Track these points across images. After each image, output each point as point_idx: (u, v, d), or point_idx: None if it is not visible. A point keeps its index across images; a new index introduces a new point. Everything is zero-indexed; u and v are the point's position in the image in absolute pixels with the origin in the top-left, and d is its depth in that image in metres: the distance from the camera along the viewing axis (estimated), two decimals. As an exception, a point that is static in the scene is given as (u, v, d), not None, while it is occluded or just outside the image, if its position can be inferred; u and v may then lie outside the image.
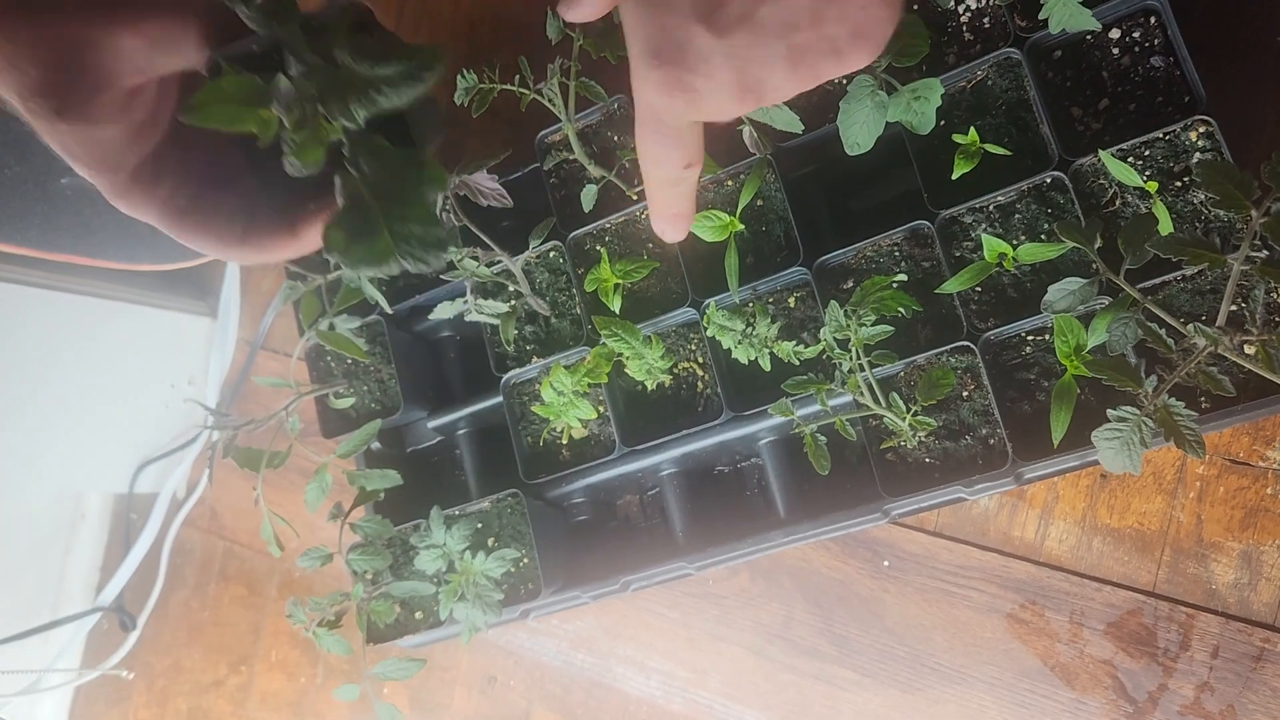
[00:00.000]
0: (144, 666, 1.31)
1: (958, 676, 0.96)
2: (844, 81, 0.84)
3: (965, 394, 0.85)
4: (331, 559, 0.94)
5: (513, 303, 0.96)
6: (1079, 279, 0.73)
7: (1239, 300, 0.79)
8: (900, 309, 0.83)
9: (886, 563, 0.99)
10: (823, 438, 0.81)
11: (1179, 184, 0.79)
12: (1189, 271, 0.79)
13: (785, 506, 0.95)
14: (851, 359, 0.81)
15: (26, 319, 1.12)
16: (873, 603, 0.99)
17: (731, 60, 0.46)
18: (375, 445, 1.09)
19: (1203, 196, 0.79)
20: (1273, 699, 0.86)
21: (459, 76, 0.89)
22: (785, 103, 0.80)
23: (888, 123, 0.82)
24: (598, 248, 0.96)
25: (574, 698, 1.11)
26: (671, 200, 0.59)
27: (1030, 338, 0.84)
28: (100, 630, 1.31)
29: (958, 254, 0.85)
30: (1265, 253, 0.69)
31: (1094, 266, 0.74)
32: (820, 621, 1.01)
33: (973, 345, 0.83)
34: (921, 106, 0.80)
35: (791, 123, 0.80)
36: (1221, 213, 0.78)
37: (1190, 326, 0.70)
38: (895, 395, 0.81)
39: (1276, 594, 0.86)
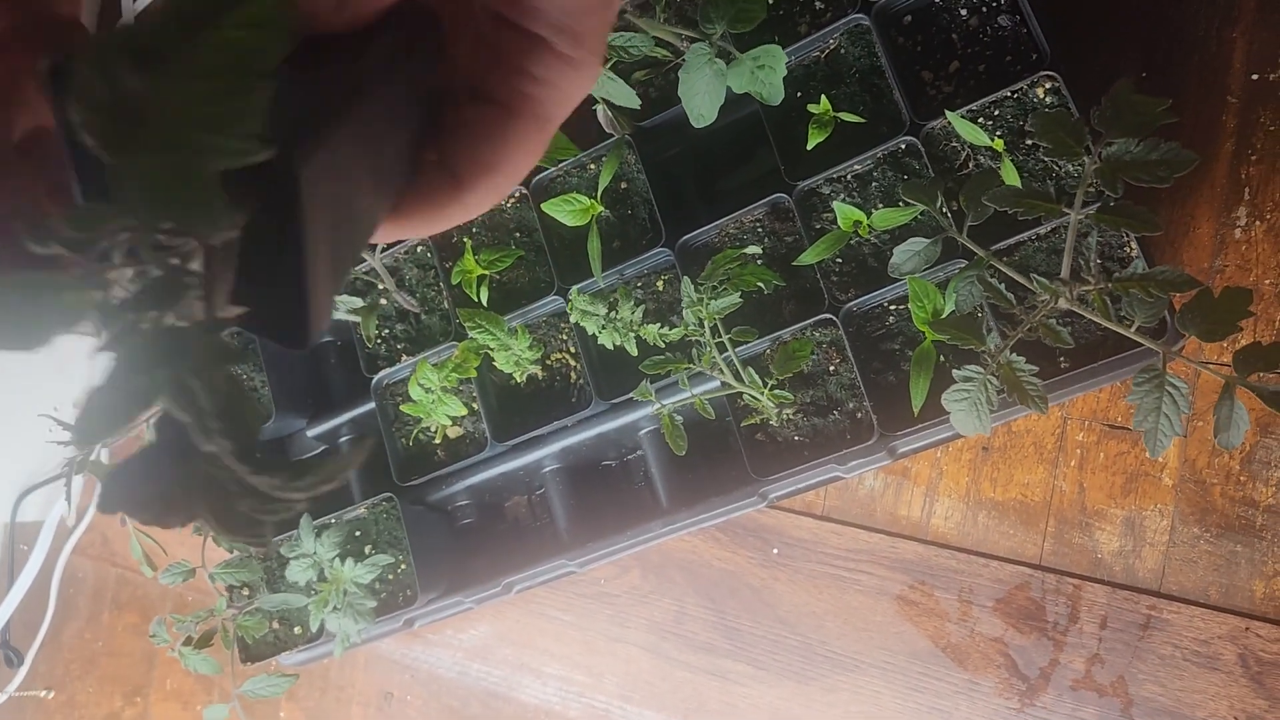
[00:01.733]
0: (35, 703, 1.26)
1: (851, 663, 0.93)
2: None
3: (831, 368, 0.83)
4: (194, 573, 0.90)
5: (379, 298, 0.94)
6: (923, 240, 0.72)
7: (1080, 256, 0.77)
8: (759, 284, 0.81)
9: (776, 550, 0.96)
10: (679, 418, 0.79)
11: (1029, 142, 0.78)
12: (1043, 230, 0.78)
13: (667, 497, 0.92)
14: (709, 336, 0.79)
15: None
16: (764, 592, 0.96)
17: None
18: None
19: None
20: (1161, 667, 0.84)
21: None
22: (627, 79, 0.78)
23: (746, 100, 0.80)
24: (464, 239, 0.94)
25: (471, 710, 1.07)
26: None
27: (893, 308, 0.82)
28: (-9, 668, 1.26)
29: (818, 226, 0.83)
30: (1099, 201, 0.67)
31: (942, 223, 0.73)
32: (713, 615, 0.98)
33: (835, 318, 0.81)
34: (767, 76, 0.78)
35: (629, 98, 0.78)
36: (1070, 168, 0.77)
37: (1033, 280, 0.69)
38: (751, 371, 0.79)
39: (1160, 560, 0.84)
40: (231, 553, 0.92)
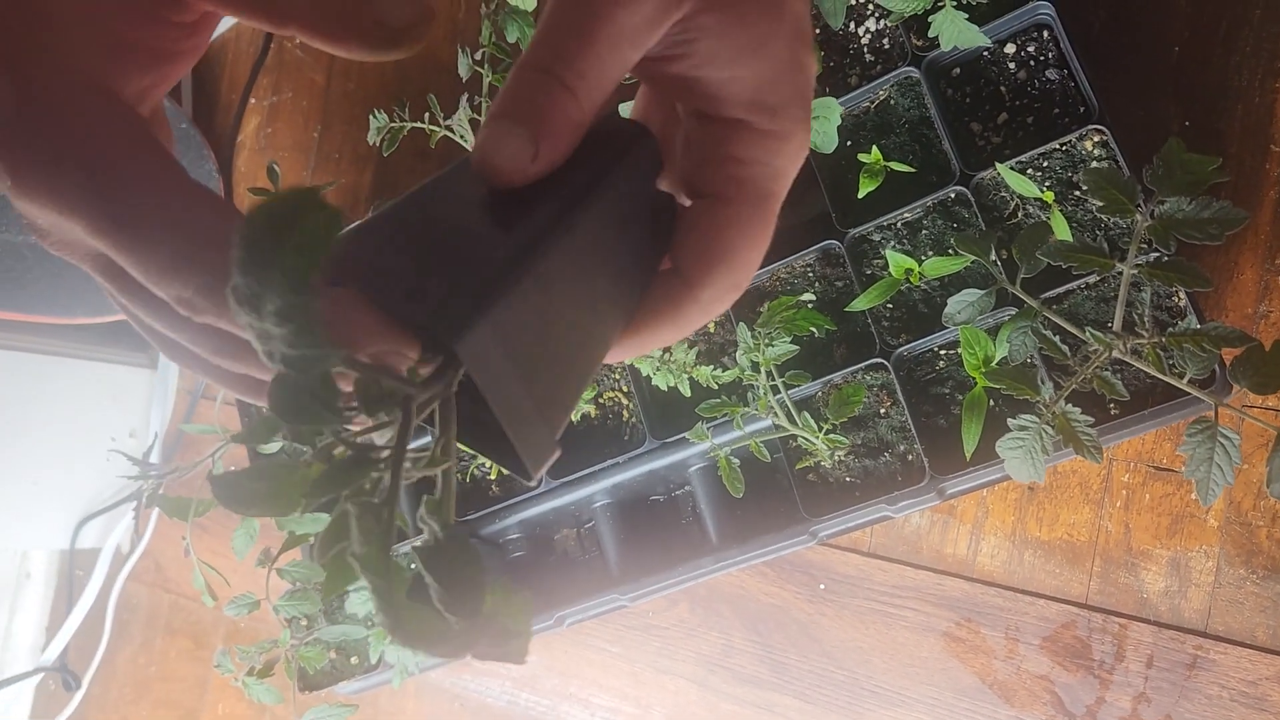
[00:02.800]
0: (91, 726, 1.29)
1: (897, 698, 0.95)
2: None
3: (882, 411, 0.85)
4: (258, 605, 0.93)
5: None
6: (977, 290, 0.74)
7: (1133, 308, 0.79)
8: (812, 329, 0.84)
9: (822, 586, 0.98)
10: (736, 460, 0.81)
11: (1077, 194, 0.80)
12: (1092, 280, 0.80)
13: (717, 533, 0.94)
14: (764, 380, 0.81)
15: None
16: (810, 627, 0.98)
17: None
18: (311, 489, 1.09)
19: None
20: (1208, 706, 0.85)
21: (370, 116, 0.90)
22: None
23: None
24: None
25: (520, 738, 1.09)
26: None
27: (943, 352, 0.84)
28: (47, 690, 1.29)
29: (868, 272, 0.85)
30: (1153, 255, 0.69)
31: (994, 278, 0.75)
32: (760, 648, 1.00)
33: (886, 362, 0.83)
34: (822, 126, 0.80)
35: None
36: (1119, 219, 0.79)
37: (1086, 332, 0.71)
38: (807, 415, 0.81)
39: (1206, 600, 0.86)
40: (294, 585, 0.95)
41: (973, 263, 0.82)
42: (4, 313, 1.12)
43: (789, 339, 0.79)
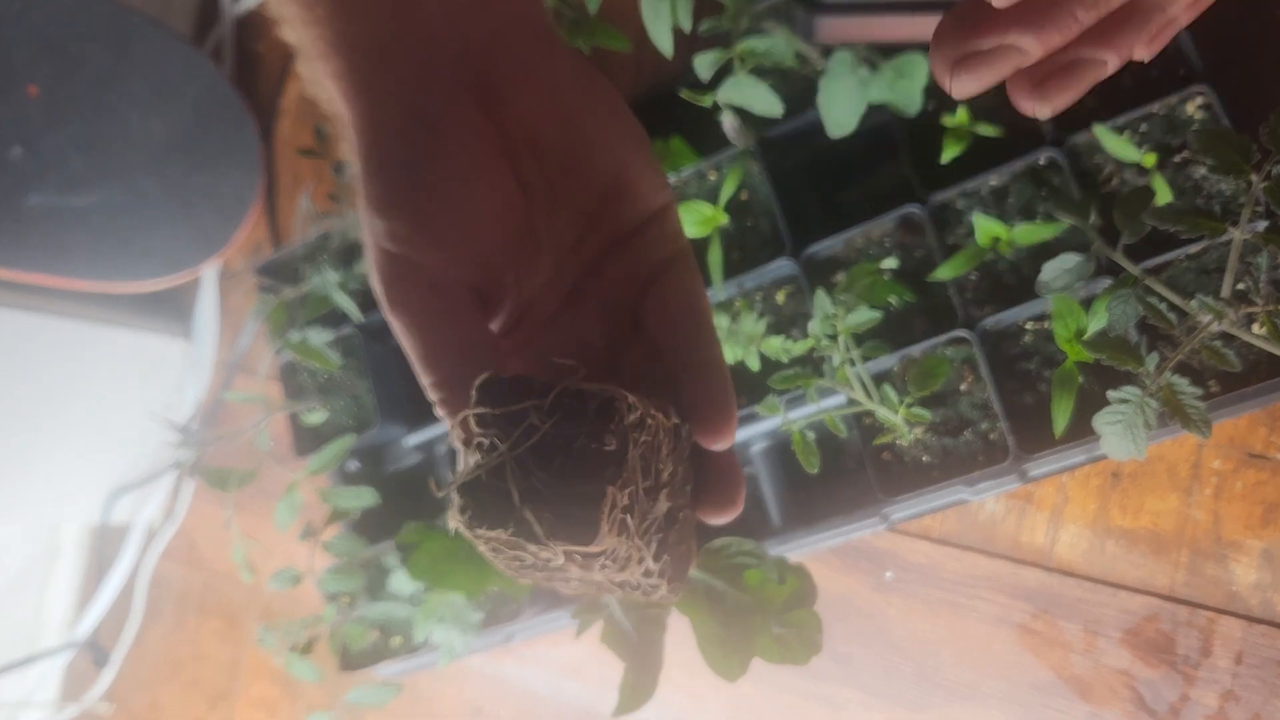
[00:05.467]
0: (121, 703, 1.26)
1: (967, 692, 0.90)
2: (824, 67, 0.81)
3: (963, 387, 0.81)
4: (300, 580, 0.89)
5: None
6: (1075, 255, 0.69)
7: (1244, 277, 0.74)
8: (891, 298, 0.80)
9: (890, 574, 0.94)
10: (811, 434, 0.77)
11: (1178, 159, 0.76)
12: (1193, 249, 0.75)
13: (780, 515, 0.90)
14: (841, 350, 0.77)
15: (-6, 342, 1.09)
16: (876, 617, 0.94)
17: None
18: (354, 466, 1.05)
19: (1203, 171, 0.75)
20: (1304, 707, 0.80)
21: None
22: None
23: (876, 111, 0.78)
24: (577, 249, 0.93)
25: (565, 727, 1.06)
26: None
27: (1030, 326, 0.80)
28: (78, 667, 1.26)
29: (951, 240, 0.81)
30: (1267, 220, 0.65)
31: (1091, 244, 0.71)
32: (823, 640, 0.95)
33: (969, 335, 0.79)
34: (906, 86, 0.76)
35: (770, 105, 0.77)
36: (1224, 186, 0.75)
37: (1194, 301, 0.66)
38: (888, 387, 0.76)
39: (1303, 594, 0.81)
40: (338, 559, 0.91)
41: (1065, 231, 0.77)
42: (42, 277, 1.09)
43: (871, 308, 0.75)
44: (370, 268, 0.33)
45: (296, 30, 0.33)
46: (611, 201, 0.35)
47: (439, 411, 0.33)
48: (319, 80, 0.33)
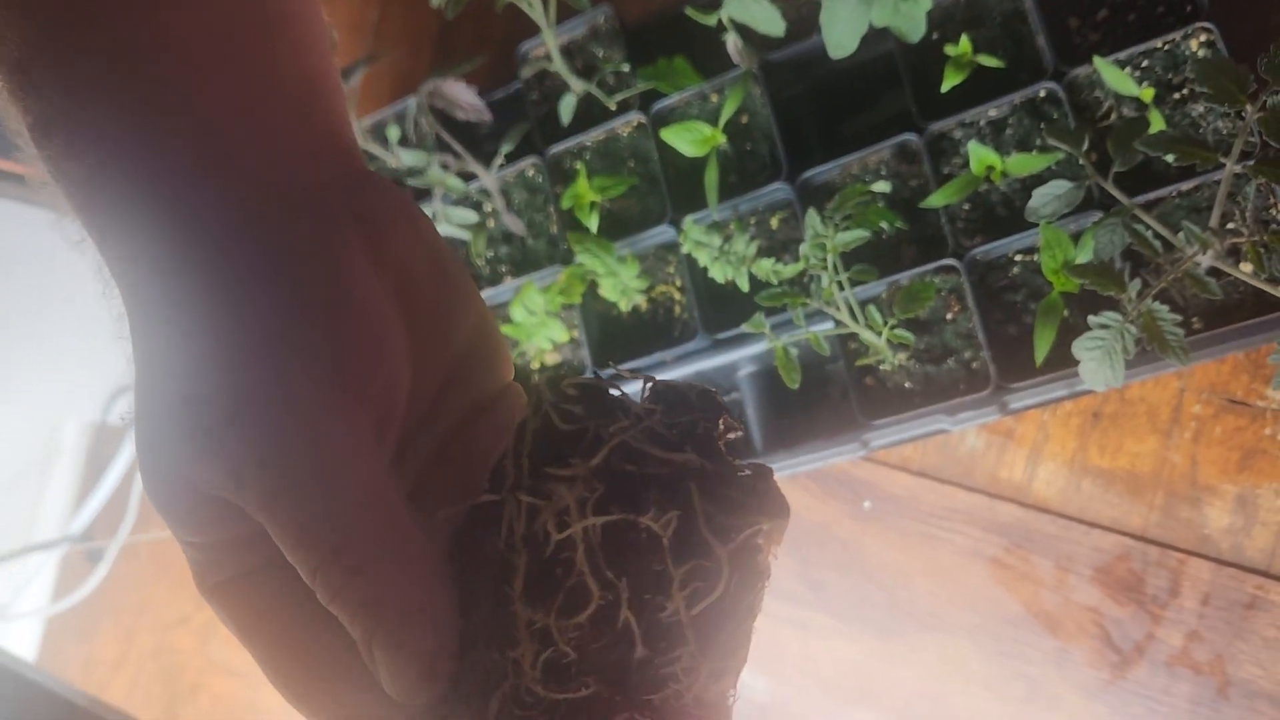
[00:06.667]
0: (111, 602, 1.28)
1: (937, 623, 0.92)
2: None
3: (949, 316, 0.82)
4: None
5: (487, 218, 0.94)
6: (1066, 182, 0.70)
7: (1233, 216, 0.75)
8: (882, 224, 0.80)
9: (868, 504, 0.95)
10: (794, 350, 0.78)
11: (1178, 96, 0.76)
12: (1185, 186, 0.75)
13: (762, 441, 0.91)
14: (830, 271, 0.77)
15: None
16: (852, 546, 0.95)
17: None
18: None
19: (1200, 109, 0.75)
20: (1263, 648, 0.81)
21: (437, -22, 0.87)
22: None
23: (880, 40, 0.78)
24: (577, 165, 0.93)
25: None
26: None
27: (1018, 258, 0.80)
28: (71, 565, 1.29)
29: (946, 170, 0.82)
30: (1259, 152, 0.65)
31: (1084, 174, 0.71)
32: (797, 565, 0.97)
33: (958, 264, 0.79)
34: (910, 10, 0.76)
35: (773, 23, 0.77)
36: (1220, 124, 0.75)
37: (1180, 234, 0.67)
38: (873, 309, 0.77)
39: (1272, 539, 0.82)
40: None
41: (1058, 163, 0.78)
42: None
43: (862, 229, 0.76)
44: (228, 422, 0.24)
45: (54, 141, 0.26)
46: (470, 364, 0.30)
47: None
48: (85, 208, 0.26)
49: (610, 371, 0.26)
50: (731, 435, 0.25)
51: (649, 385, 0.25)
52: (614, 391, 0.26)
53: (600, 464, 0.22)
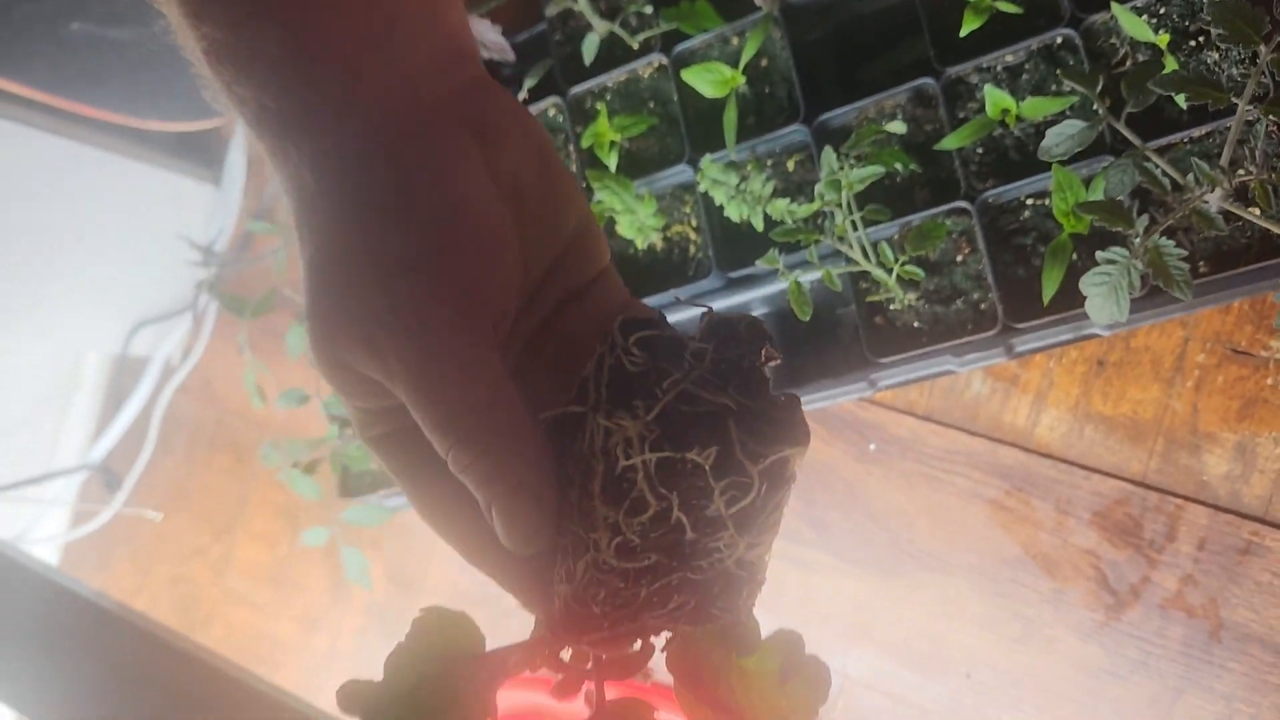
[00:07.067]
0: (129, 532, 1.31)
1: (937, 563, 0.94)
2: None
3: (959, 258, 0.83)
4: (307, 400, 0.93)
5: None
6: (1079, 122, 0.71)
7: (1244, 161, 0.76)
8: (896, 165, 0.81)
9: (873, 446, 0.97)
10: (806, 283, 0.80)
11: (1193, 43, 0.77)
12: (1197, 132, 0.77)
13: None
14: (844, 209, 0.79)
15: (29, 164, 1.12)
16: (856, 486, 0.97)
17: None
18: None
19: (1216, 56, 0.76)
20: (1256, 593, 0.83)
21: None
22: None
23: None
24: (598, 105, 0.95)
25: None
26: None
27: (1030, 202, 0.82)
28: (89, 493, 1.31)
29: (962, 115, 0.83)
30: (1272, 92, 0.66)
31: (1097, 113, 0.72)
32: (801, 504, 0.99)
33: (970, 206, 0.81)
34: (931, -47, 0.77)
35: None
36: (1235, 72, 0.76)
37: (1190, 175, 0.68)
38: (885, 245, 0.79)
39: (1269, 487, 0.84)
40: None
41: (1073, 108, 0.79)
42: (77, 105, 1.12)
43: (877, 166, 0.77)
44: (363, 303, 0.29)
45: (222, 66, 0.29)
46: (573, 253, 0.34)
47: (463, 475, 0.30)
48: (244, 113, 0.30)
49: (671, 301, 0.31)
50: (772, 363, 0.30)
51: (705, 318, 0.29)
52: (672, 335, 0.30)
53: (657, 413, 0.27)
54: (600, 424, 0.29)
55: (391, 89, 0.30)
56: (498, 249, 0.30)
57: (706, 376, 0.28)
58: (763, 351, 0.29)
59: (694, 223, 0.93)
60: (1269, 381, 0.84)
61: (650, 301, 0.92)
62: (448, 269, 0.29)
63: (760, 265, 0.82)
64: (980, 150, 0.82)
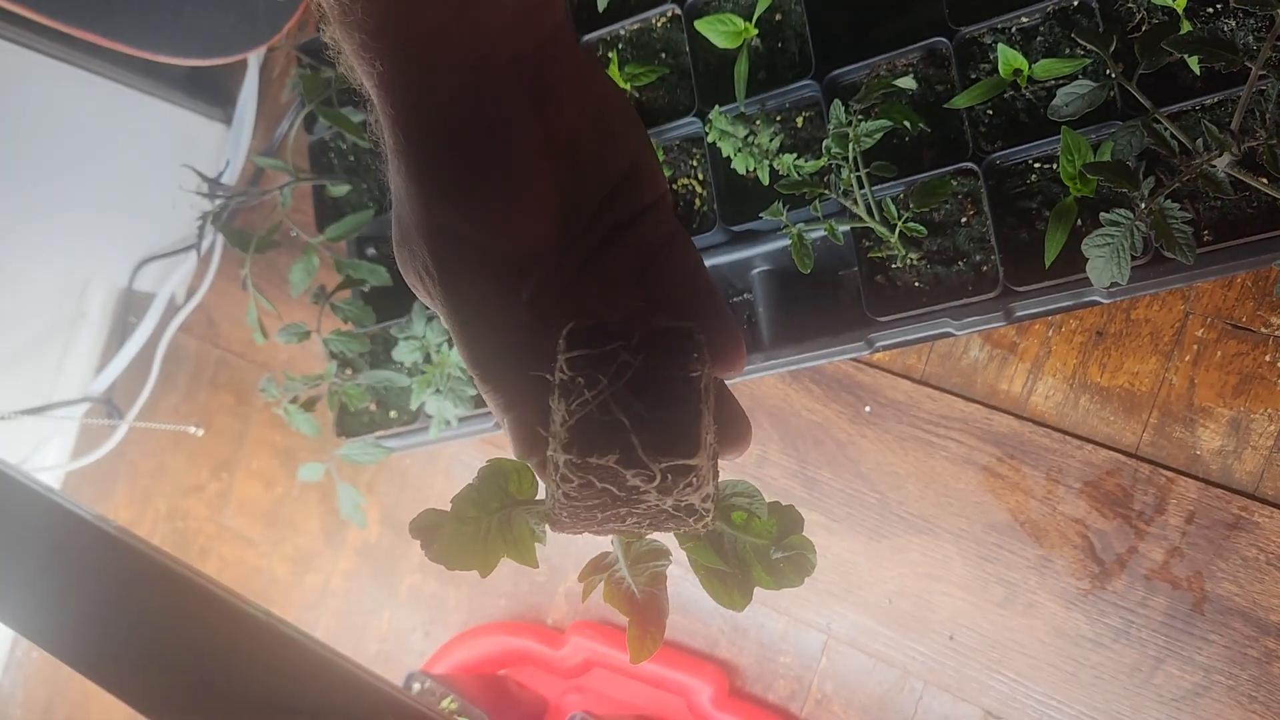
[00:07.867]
0: (129, 466, 1.32)
1: (925, 526, 0.94)
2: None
3: (963, 220, 0.83)
4: (308, 336, 0.94)
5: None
6: (1089, 82, 0.71)
7: (1254, 129, 0.75)
8: (905, 122, 0.81)
9: (868, 408, 0.97)
10: (810, 236, 0.80)
11: (1210, 10, 0.76)
12: (1208, 101, 0.76)
13: (770, 335, 0.93)
14: (850, 164, 0.79)
15: (39, 91, 1.12)
16: (849, 447, 0.97)
17: None
18: (370, 252, 1.09)
19: (1233, 24, 0.76)
20: (1242, 567, 0.83)
21: None
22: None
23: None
24: (609, 54, 0.94)
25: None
26: None
27: (1037, 165, 0.81)
28: (91, 426, 1.32)
29: (974, 76, 0.82)
30: (1285, 58, 0.65)
31: (1109, 75, 0.72)
32: (794, 463, 0.99)
33: (976, 168, 0.80)
34: (951, -92, 0.77)
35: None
36: (1250, 39, 0.75)
37: (1199, 140, 0.68)
38: (889, 200, 0.79)
39: (1261, 463, 0.84)
40: (345, 322, 0.95)
41: (1085, 71, 0.78)
42: (88, 33, 1.12)
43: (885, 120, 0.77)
44: (416, 245, 0.36)
45: (338, 29, 0.34)
46: (624, 189, 0.39)
47: (485, 394, 0.37)
48: (358, 75, 0.35)
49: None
50: (695, 374, 0.34)
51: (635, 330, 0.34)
52: (602, 352, 0.35)
53: (572, 424, 0.33)
54: (588, 359, 0.34)
55: (465, 59, 0.34)
56: (534, 206, 0.36)
57: (620, 392, 0.32)
58: (688, 365, 0.33)
59: (700, 176, 0.93)
60: (1267, 358, 0.84)
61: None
62: (486, 217, 0.36)
63: (764, 218, 0.82)
64: (990, 112, 0.82)
